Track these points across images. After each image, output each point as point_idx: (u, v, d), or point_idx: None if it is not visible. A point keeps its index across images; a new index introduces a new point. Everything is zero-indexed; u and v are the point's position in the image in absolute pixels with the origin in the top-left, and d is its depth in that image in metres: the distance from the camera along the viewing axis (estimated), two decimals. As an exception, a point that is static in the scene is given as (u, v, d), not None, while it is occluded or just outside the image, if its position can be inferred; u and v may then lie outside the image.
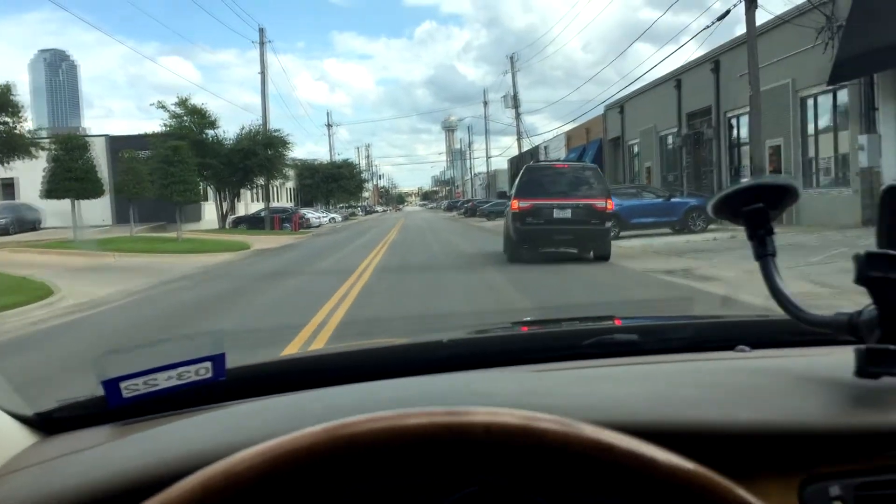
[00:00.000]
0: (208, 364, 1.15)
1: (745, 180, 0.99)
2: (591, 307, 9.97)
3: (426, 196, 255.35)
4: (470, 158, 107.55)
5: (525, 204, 15.34)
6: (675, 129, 33.11)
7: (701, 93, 29.93)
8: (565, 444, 0.63)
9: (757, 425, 0.91)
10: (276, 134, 42.59)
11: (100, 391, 1.13)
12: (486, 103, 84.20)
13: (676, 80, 32.57)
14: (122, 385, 1.12)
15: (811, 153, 23.09)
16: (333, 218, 74.16)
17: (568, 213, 15.20)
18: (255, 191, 53.45)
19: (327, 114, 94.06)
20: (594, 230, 15.13)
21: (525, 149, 69.10)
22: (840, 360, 0.99)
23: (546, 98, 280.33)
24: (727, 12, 22.03)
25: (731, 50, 27.34)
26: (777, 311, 1.04)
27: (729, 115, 28.09)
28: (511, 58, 60.69)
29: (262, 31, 43.75)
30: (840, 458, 0.89)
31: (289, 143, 42.88)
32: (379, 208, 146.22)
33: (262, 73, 43.14)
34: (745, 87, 25.53)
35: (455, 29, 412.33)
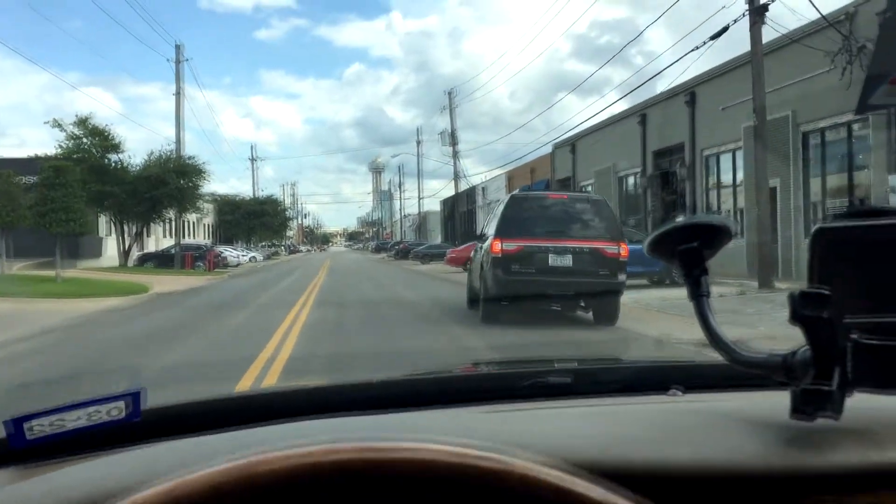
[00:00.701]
0: (121, 403, 1.07)
1: (680, 219, 0.98)
2: (526, 347, 9.46)
3: (351, 237, 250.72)
4: (400, 199, 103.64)
5: (510, 246, 11.42)
6: (639, 169, 29.98)
7: (671, 129, 26.86)
8: (497, 479, 0.62)
9: (694, 465, 0.91)
10: (190, 161, 37.82)
11: (1, 431, 1.06)
12: (419, 142, 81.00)
13: (640, 115, 29.52)
14: (27, 425, 1.04)
15: (815, 196, 19.97)
16: (254, 257, 69.25)
17: (568, 261, 11.35)
18: (167, 225, 48.26)
19: (251, 147, 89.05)
20: (603, 284, 11.26)
21: (461, 189, 65.74)
22: (775, 401, 0.98)
23: (474, 142, 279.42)
24: (725, 28, 18.86)
25: (710, 81, 24.36)
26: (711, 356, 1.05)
27: (706, 152, 25.00)
28: (449, 93, 57.55)
29: (178, 47, 39.23)
30: (776, 498, 0.89)
31: (204, 172, 38.12)
32: (303, 248, 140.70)
33: (178, 93, 38.55)
34: (728, 120, 22.47)
35: (384, 72, 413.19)
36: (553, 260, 11.33)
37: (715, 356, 1.01)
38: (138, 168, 36.64)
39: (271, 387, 1.91)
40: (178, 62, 38.97)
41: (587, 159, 35.89)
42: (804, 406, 0.84)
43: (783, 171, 20.18)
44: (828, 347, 0.82)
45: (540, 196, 13.24)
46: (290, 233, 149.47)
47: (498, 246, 11.46)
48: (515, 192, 13.05)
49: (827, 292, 0.79)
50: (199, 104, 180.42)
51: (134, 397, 1.08)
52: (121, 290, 21.89)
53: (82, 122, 34.52)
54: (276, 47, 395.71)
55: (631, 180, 31.67)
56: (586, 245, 11.38)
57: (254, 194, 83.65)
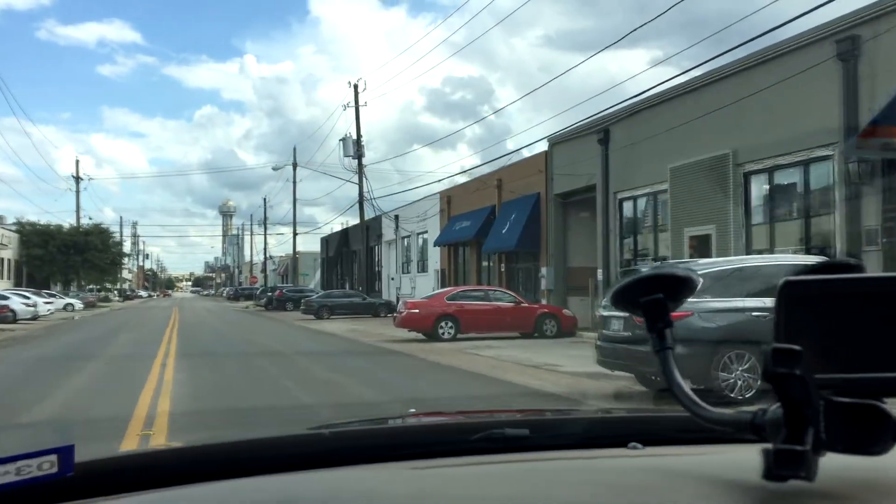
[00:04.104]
0: (54, 457, 0.98)
1: (645, 269, 0.92)
2: (477, 400, 8.76)
3: (198, 282, 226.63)
4: (264, 235, 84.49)
5: None
6: (829, 151, 14.74)
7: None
8: None
9: None
10: None
11: None
12: (295, 164, 63.17)
13: (848, 39, 14.35)
14: None
15: None
16: (71, 305, 49.30)
17: None
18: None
19: (76, 162, 67.66)
20: None
21: (345, 223, 48.90)
22: (737, 458, 0.94)
23: (325, 190, 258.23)
24: None
25: None
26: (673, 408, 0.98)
27: None
28: (355, 86, 41.02)
29: None
30: None
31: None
32: (143, 293, 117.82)
33: None
34: None
35: (236, 116, 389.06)
36: None
37: (673, 408, 0.94)
38: None
39: (215, 437, 1.38)
40: None
41: (644, 150, 20.44)
42: (777, 468, 0.78)
43: None
44: (800, 406, 0.78)
45: None
46: (128, 275, 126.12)
47: None
48: None
49: (799, 349, 0.76)
50: (35, 139, 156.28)
51: (66, 451, 0.99)
52: None
53: None
54: (121, 84, 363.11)
55: (784, 176, 16.44)
56: None
57: (77, 222, 62.89)
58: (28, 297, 36.63)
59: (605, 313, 10.07)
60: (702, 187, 18.31)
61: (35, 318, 35.64)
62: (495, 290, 21.41)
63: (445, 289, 21.72)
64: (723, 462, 1.07)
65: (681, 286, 0.92)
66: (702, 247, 18.40)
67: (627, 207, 22.08)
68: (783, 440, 0.78)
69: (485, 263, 31.58)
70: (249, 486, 1.08)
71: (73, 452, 1.00)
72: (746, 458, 0.85)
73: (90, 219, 64.81)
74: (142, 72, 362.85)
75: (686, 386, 0.90)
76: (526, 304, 20.43)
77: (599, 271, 22.50)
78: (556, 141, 25.42)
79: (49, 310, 38.89)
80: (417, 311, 19.88)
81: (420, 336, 20.47)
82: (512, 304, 20.26)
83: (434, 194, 36.26)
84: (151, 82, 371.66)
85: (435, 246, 35.23)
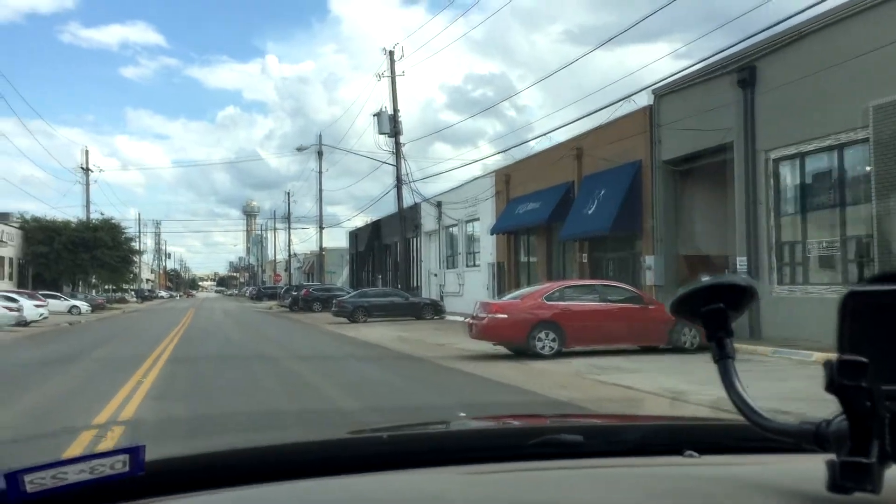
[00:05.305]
0: (125, 457, 1.01)
1: (705, 279, 0.93)
2: (530, 406, 8.59)
3: (222, 282, 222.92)
4: (288, 230, 78.72)
5: None
6: None
7: None
8: None
9: None
10: None
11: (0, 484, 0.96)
12: (320, 152, 57.52)
13: None
14: (27, 478, 0.97)
15: None
16: (76, 307, 43.89)
17: None
18: None
19: (85, 152, 61.92)
20: None
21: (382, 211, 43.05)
22: (797, 469, 0.94)
23: (347, 188, 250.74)
24: None
25: None
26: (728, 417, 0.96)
27: None
28: (391, 53, 35.10)
29: None
30: None
31: None
32: (164, 293, 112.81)
33: None
34: None
35: (259, 116, 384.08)
36: None
37: (731, 416, 0.94)
38: None
39: (279, 438, 1.43)
40: None
41: (817, 89, 14.28)
42: (843, 480, 0.77)
43: None
44: (866, 418, 0.76)
45: None
46: (149, 275, 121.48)
47: None
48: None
49: (865, 360, 0.74)
50: (59, 142, 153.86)
51: (137, 451, 1.02)
52: None
53: None
54: (144, 86, 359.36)
55: None
56: None
57: (87, 217, 57.45)
58: (15, 300, 31.13)
59: None
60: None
61: (24, 323, 30.15)
62: (610, 286, 15.33)
63: (543, 286, 15.66)
64: (782, 472, 1.04)
65: (742, 295, 0.89)
66: (932, 218, 12.27)
67: (787, 171, 15.91)
68: (848, 452, 0.76)
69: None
70: (316, 487, 1.09)
71: (143, 452, 1.02)
72: (807, 469, 0.83)
73: (102, 214, 59.38)
74: (164, 73, 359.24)
75: (746, 395, 0.88)
76: (655, 306, 14.36)
77: (740, 259, 16.40)
78: (665, 91, 19.30)
79: (42, 314, 33.31)
80: (506, 316, 13.85)
81: (501, 349, 14.52)
82: (636, 306, 14.22)
83: (487, 174, 30.20)
84: (174, 84, 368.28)
85: (491, 234, 29.21)
